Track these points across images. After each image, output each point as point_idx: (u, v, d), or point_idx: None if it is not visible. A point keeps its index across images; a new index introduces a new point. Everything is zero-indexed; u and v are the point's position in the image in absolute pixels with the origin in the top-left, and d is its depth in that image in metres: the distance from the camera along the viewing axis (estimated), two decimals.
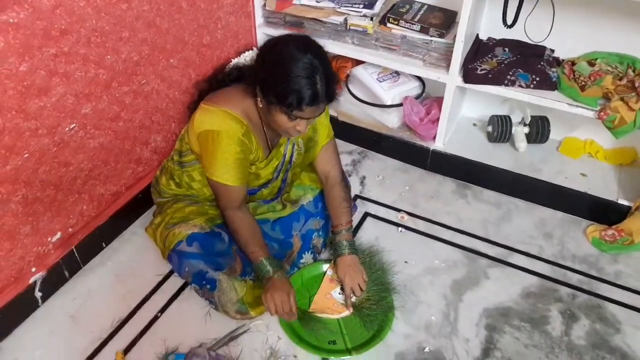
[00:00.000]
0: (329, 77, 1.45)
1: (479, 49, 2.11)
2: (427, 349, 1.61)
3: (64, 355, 1.57)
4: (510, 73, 1.97)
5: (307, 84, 1.40)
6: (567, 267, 1.88)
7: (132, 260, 1.85)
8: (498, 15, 2.04)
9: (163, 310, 1.70)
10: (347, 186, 1.81)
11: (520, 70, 1.97)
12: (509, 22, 2.02)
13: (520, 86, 1.96)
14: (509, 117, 2.23)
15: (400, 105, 2.21)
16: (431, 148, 2.23)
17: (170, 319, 1.67)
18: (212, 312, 1.67)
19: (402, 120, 2.27)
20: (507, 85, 1.97)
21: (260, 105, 1.53)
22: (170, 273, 1.80)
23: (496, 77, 1.97)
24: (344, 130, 2.34)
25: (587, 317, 1.72)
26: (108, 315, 1.67)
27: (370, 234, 1.98)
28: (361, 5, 2.11)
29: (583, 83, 1.91)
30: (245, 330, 1.63)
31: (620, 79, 1.90)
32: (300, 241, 1.82)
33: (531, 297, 1.77)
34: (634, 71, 1.93)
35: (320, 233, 1.85)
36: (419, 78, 2.28)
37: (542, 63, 1.99)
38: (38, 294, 1.66)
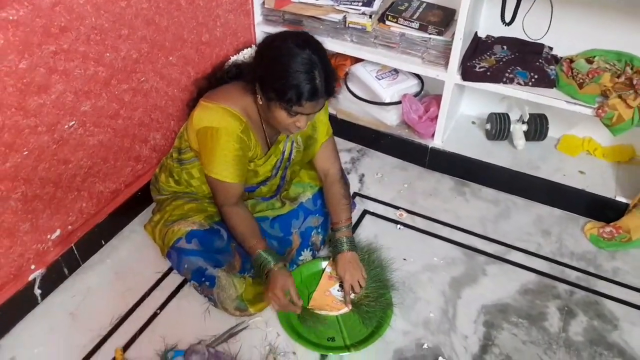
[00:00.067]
0: (327, 72, 1.45)
1: (478, 46, 2.12)
2: (425, 346, 1.62)
3: (64, 352, 1.57)
4: (509, 71, 1.97)
5: (306, 79, 1.40)
6: (565, 264, 1.89)
7: (131, 258, 1.85)
8: (496, 13, 2.04)
9: (162, 307, 1.70)
10: (346, 183, 1.82)
11: (519, 68, 1.97)
12: (507, 19, 2.02)
13: (519, 84, 1.96)
14: (507, 114, 2.23)
15: (399, 103, 2.22)
16: (430, 146, 2.23)
17: (169, 316, 1.68)
18: (211, 309, 1.67)
19: (400, 118, 2.27)
20: (505, 82, 1.98)
21: (260, 103, 1.53)
22: (169, 270, 1.80)
23: (495, 75, 1.98)
24: (343, 128, 2.35)
25: (585, 314, 1.73)
26: (107, 312, 1.67)
27: (369, 231, 1.99)
28: (360, 3, 2.12)
29: (581, 80, 1.92)
30: (245, 327, 1.63)
31: (618, 77, 1.90)
32: (300, 239, 1.82)
33: (529, 294, 1.78)
34: (632, 69, 1.93)
35: (319, 230, 1.86)
36: (418, 76, 2.29)
37: (540, 61, 1.99)
38: (37, 292, 1.67)
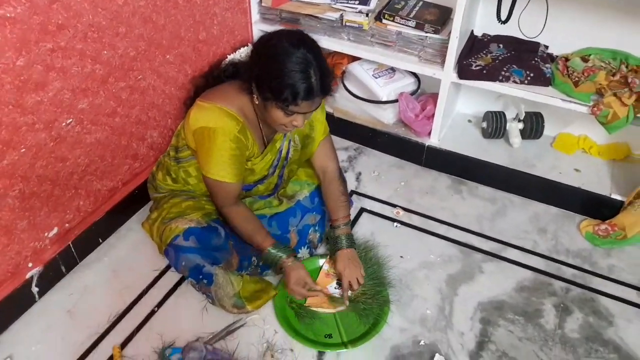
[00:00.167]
0: (323, 70, 1.45)
1: (474, 45, 2.13)
2: (422, 342, 1.62)
3: (61, 350, 1.57)
4: (505, 69, 1.98)
5: (302, 78, 1.41)
6: (560, 262, 1.90)
7: (129, 256, 1.85)
8: (492, 11, 2.05)
9: (160, 305, 1.70)
10: (344, 181, 1.82)
11: (515, 66, 1.98)
12: (503, 17, 2.03)
13: (515, 82, 1.97)
14: (503, 113, 2.24)
15: (396, 101, 2.23)
16: (426, 144, 2.24)
17: (167, 314, 1.68)
18: (209, 307, 1.68)
19: (397, 116, 2.28)
20: (501, 81, 1.98)
21: (257, 102, 1.53)
22: (167, 268, 1.80)
23: (491, 73, 1.99)
24: (340, 127, 2.35)
25: (581, 311, 1.74)
26: (105, 310, 1.67)
27: (366, 229, 1.99)
28: (357, 2, 2.12)
29: (577, 79, 1.93)
30: (242, 325, 1.64)
31: (614, 75, 1.92)
32: (297, 236, 1.82)
33: (525, 291, 1.79)
34: (627, 67, 1.94)
35: (317, 228, 1.86)
36: (414, 74, 2.29)
37: (536, 59, 2.00)
38: (35, 289, 1.67)
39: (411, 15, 2.08)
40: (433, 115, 2.19)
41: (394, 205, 2.11)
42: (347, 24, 2.13)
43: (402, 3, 2.15)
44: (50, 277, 1.71)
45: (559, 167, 2.16)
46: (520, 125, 2.23)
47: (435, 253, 1.91)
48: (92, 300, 1.71)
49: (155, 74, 1.85)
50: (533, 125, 2.22)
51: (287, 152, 1.75)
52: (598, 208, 2.04)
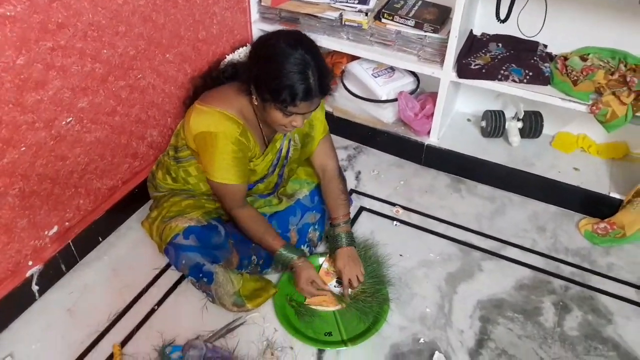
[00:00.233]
0: (321, 71, 1.45)
1: (473, 44, 2.13)
2: (422, 340, 1.63)
3: (61, 348, 1.57)
4: (504, 68, 1.99)
5: (300, 79, 1.41)
6: (560, 260, 1.90)
7: (129, 255, 1.85)
8: (491, 11, 2.05)
9: (160, 303, 1.71)
10: (344, 179, 1.83)
11: (514, 65, 1.99)
12: (502, 17, 2.04)
13: (514, 81, 1.97)
14: (502, 112, 2.25)
15: (395, 100, 2.23)
16: (426, 143, 2.25)
17: (167, 312, 1.68)
18: (209, 305, 1.68)
19: (397, 115, 2.28)
20: (500, 80, 1.99)
21: (256, 103, 1.53)
22: (167, 267, 1.81)
23: (490, 72, 1.99)
24: (340, 126, 2.35)
25: (580, 309, 1.74)
26: (105, 308, 1.67)
27: (365, 227, 2.00)
28: (356, 1, 2.13)
29: (575, 78, 1.93)
30: (242, 323, 1.64)
31: (612, 74, 1.92)
32: (297, 235, 1.83)
33: (524, 289, 1.80)
34: (625, 66, 1.95)
35: (316, 227, 1.87)
36: (414, 73, 2.30)
37: (535, 58, 2.01)
38: (35, 288, 1.67)
39: (410, 15, 2.08)
40: (432, 114, 2.19)
41: (394, 204, 2.11)
42: (347, 23, 2.14)
43: (402, 2, 2.15)
44: (50, 275, 1.71)
45: (558, 166, 2.16)
46: (519, 124, 2.24)
47: (434, 251, 1.92)
48: (92, 298, 1.71)
49: (154, 73, 1.85)
50: (532, 124, 2.23)
51: (287, 152, 1.75)
52: (597, 207, 2.05)
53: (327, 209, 1.82)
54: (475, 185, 2.21)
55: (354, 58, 2.32)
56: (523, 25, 2.08)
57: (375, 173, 2.26)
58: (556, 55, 2.09)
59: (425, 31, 2.06)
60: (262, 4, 2.25)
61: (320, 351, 1.59)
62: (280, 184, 1.85)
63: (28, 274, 1.64)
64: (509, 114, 2.26)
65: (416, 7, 2.13)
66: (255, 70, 1.48)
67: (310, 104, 1.47)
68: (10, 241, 1.55)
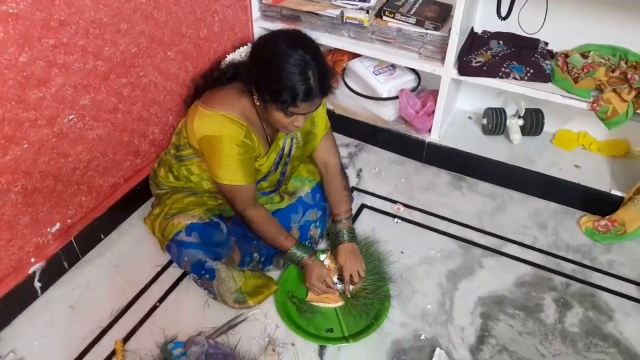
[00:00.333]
0: (321, 71, 1.45)
1: (474, 41, 2.13)
2: (423, 337, 1.63)
3: (64, 345, 1.58)
4: (505, 65, 1.99)
5: (300, 80, 1.41)
6: (560, 257, 1.91)
7: (131, 252, 1.86)
8: (492, 8, 2.06)
9: (162, 300, 1.71)
10: (346, 176, 1.83)
11: (515, 63, 1.99)
12: (503, 14, 2.04)
13: (515, 78, 1.98)
14: (503, 109, 2.25)
15: (396, 98, 2.23)
16: (427, 140, 2.25)
17: (169, 309, 1.69)
18: (211, 302, 1.69)
19: (398, 113, 2.29)
20: (501, 77, 1.99)
21: (257, 104, 1.53)
22: (169, 264, 1.81)
23: (491, 70, 1.99)
24: (341, 124, 2.36)
25: (581, 305, 1.75)
26: (107, 305, 1.68)
27: (366, 225, 2.00)
28: None
29: (576, 75, 1.94)
30: (244, 319, 1.65)
31: (613, 71, 1.92)
32: (298, 232, 1.83)
33: (525, 286, 1.80)
34: (626, 63, 1.95)
35: (318, 224, 1.87)
36: (415, 71, 2.30)
37: (536, 55, 2.01)
38: (37, 285, 1.68)
39: (411, 12, 2.08)
40: (433, 111, 2.19)
41: (395, 202, 2.11)
42: (348, 20, 2.14)
43: (403, 0, 2.15)
44: (53, 272, 1.72)
45: (559, 164, 2.16)
46: (521, 122, 2.24)
47: (435, 248, 1.92)
48: (95, 295, 1.72)
49: (156, 71, 1.86)
50: (533, 121, 2.23)
51: (290, 149, 1.76)
52: (598, 204, 2.05)
53: (329, 206, 1.83)
54: (476, 183, 2.22)
55: (355, 56, 2.33)
56: (524, 22, 2.08)
57: (376, 170, 2.27)
58: (557, 53, 2.09)
59: (427, 29, 2.06)
60: (263, 1, 2.26)
61: (322, 347, 1.60)
62: (282, 182, 1.86)
63: (30, 270, 1.65)
64: (510, 111, 2.27)
65: (417, 5, 2.13)
66: (256, 71, 1.48)
67: (311, 104, 1.47)
68: (12, 238, 1.56)
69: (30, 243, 1.63)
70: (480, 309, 1.72)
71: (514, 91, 2.01)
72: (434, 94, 2.19)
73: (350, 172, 2.23)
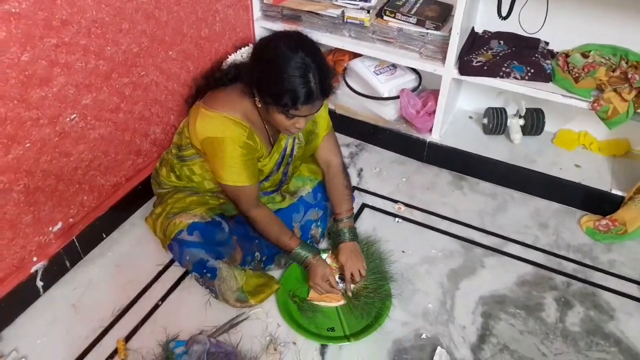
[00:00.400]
0: (322, 73, 1.45)
1: (475, 41, 2.14)
2: (424, 336, 1.63)
3: (66, 343, 1.58)
4: (505, 65, 1.99)
5: (301, 83, 1.41)
6: (561, 256, 1.91)
7: (132, 251, 1.86)
8: (493, 8, 2.06)
9: (163, 299, 1.72)
10: (347, 175, 1.84)
11: (515, 62, 1.99)
12: (504, 13, 2.04)
13: (515, 78, 1.98)
14: (504, 109, 2.25)
15: (397, 97, 2.24)
16: (427, 140, 2.25)
17: (170, 308, 1.69)
18: (212, 301, 1.69)
19: (398, 112, 2.29)
20: (502, 77, 1.99)
21: (259, 105, 1.54)
22: (170, 263, 1.81)
23: (491, 69, 2.00)
24: (342, 123, 2.36)
25: (582, 305, 1.75)
26: (109, 304, 1.68)
27: (367, 224, 2.00)
28: None
29: (577, 75, 1.94)
30: (245, 318, 1.65)
31: (614, 71, 1.92)
32: (299, 232, 1.84)
33: (526, 285, 1.80)
34: (626, 63, 1.95)
35: (319, 223, 1.87)
36: (415, 71, 2.31)
37: (536, 55, 2.01)
38: (39, 284, 1.68)
39: (412, 12, 2.09)
40: (434, 111, 2.20)
41: (396, 201, 2.12)
42: (349, 20, 2.15)
43: (403, 0, 2.16)
44: (55, 271, 1.72)
45: (560, 163, 2.17)
46: (521, 122, 2.24)
47: (436, 248, 1.92)
48: (97, 294, 1.72)
49: (158, 70, 1.86)
50: (534, 121, 2.23)
51: (292, 150, 1.76)
52: (599, 203, 2.05)
53: (331, 205, 1.83)
54: (477, 182, 2.22)
55: (356, 55, 2.33)
56: (524, 22, 2.09)
57: (377, 170, 2.27)
58: (557, 53, 2.09)
59: (427, 28, 2.06)
60: (264, 1, 2.26)
61: (323, 346, 1.60)
62: (284, 182, 1.86)
63: (33, 269, 1.65)
64: (510, 111, 2.27)
65: (418, 5, 2.14)
66: (257, 73, 1.48)
67: (312, 107, 1.47)
68: (15, 237, 1.56)
69: (33, 242, 1.63)
70: (481, 308, 1.72)
71: (514, 91, 2.01)
72: (435, 93, 2.19)
73: (352, 172, 2.23)
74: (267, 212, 1.69)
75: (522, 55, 2.02)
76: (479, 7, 2.16)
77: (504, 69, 1.99)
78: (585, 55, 2.01)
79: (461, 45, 2.06)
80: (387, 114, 2.29)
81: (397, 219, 2.04)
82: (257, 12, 2.30)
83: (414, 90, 2.27)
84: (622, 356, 1.60)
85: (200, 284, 1.69)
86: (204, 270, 1.63)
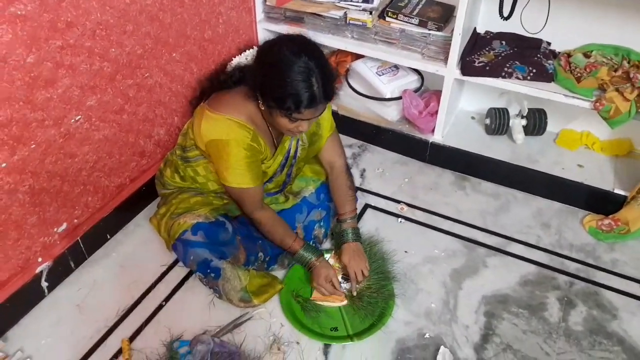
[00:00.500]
0: (325, 77, 1.46)
1: (477, 42, 2.14)
2: (427, 335, 1.64)
3: (70, 344, 1.59)
4: (508, 65, 2.00)
5: (304, 87, 1.42)
6: (564, 256, 1.91)
7: (137, 252, 1.87)
8: (495, 9, 2.07)
9: (168, 299, 1.73)
10: (351, 176, 1.85)
11: (517, 63, 2.00)
12: (505, 13, 2.05)
13: (517, 78, 1.98)
14: (506, 109, 2.26)
15: (400, 98, 2.24)
16: (430, 141, 2.26)
17: (174, 308, 1.70)
18: (216, 301, 1.70)
19: (401, 113, 2.29)
20: (504, 77, 2.00)
21: (262, 108, 1.55)
22: (174, 263, 1.82)
23: (493, 70, 2.00)
24: (344, 124, 2.36)
25: (585, 304, 1.75)
26: (113, 304, 1.69)
27: (370, 224, 2.01)
28: (360, 0, 2.14)
29: (579, 74, 1.94)
30: (249, 318, 1.66)
31: (616, 70, 1.93)
32: (303, 232, 1.84)
33: (529, 285, 1.80)
34: (628, 62, 1.96)
35: (322, 224, 1.88)
36: (418, 71, 2.31)
37: (538, 55, 2.02)
38: (44, 284, 1.69)
39: (414, 13, 2.10)
40: (436, 112, 2.20)
41: (398, 201, 2.12)
42: (351, 21, 2.16)
43: (405, 1, 2.16)
44: (60, 272, 1.73)
45: (562, 163, 2.17)
46: (524, 122, 2.25)
47: (439, 248, 1.93)
48: (101, 294, 1.73)
49: (162, 72, 1.87)
50: (536, 121, 2.23)
51: (295, 151, 1.77)
52: (601, 203, 2.05)
53: (334, 205, 1.84)
54: (479, 183, 2.22)
55: (358, 57, 2.34)
56: (526, 22, 2.09)
57: (380, 171, 2.28)
58: (559, 53, 2.10)
59: (429, 29, 2.07)
60: (267, 3, 2.27)
61: (327, 346, 1.60)
62: (288, 183, 1.87)
63: (38, 270, 1.66)
64: (513, 111, 2.27)
65: (420, 6, 2.14)
66: (260, 77, 1.49)
67: (315, 110, 1.48)
68: (20, 237, 1.58)
69: (38, 243, 1.64)
70: (484, 308, 1.73)
71: (516, 91, 2.01)
72: (437, 94, 2.20)
73: (354, 173, 2.24)
74: (272, 214, 1.70)
75: (524, 56, 2.02)
76: (480, 8, 2.17)
77: (506, 69, 1.99)
78: (587, 55, 2.01)
79: (463, 46, 2.06)
80: (389, 115, 2.30)
81: (399, 219, 2.05)
82: (259, 14, 2.31)
83: (416, 91, 2.28)
84: (625, 355, 1.61)
85: (204, 284, 1.70)
86: (208, 270, 1.64)
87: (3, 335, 1.60)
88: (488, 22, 2.19)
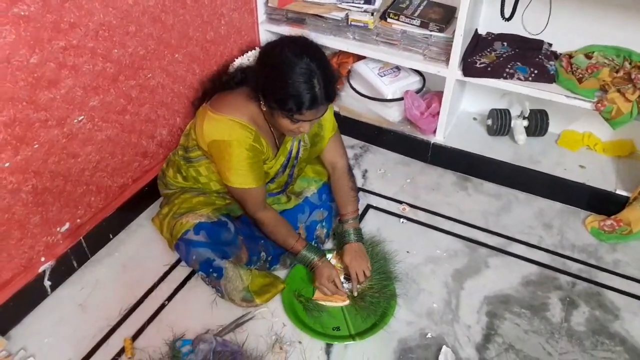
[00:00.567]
0: (327, 78, 1.46)
1: (478, 43, 2.15)
2: (429, 335, 1.64)
3: (73, 343, 1.60)
4: (509, 66, 2.00)
5: (306, 89, 1.42)
6: (566, 257, 1.91)
7: (139, 252, 1.88)
8: (496, 10, 2.07)
9: (170, 298, 1.73)
10: (353, 176, 1.85)
11: (519, 64, 2.00)
12: (507, 15, 2.05)
13: (519, 79, 1.99)
14: (508, 110, 2.26)
15: (401, 99, 2.25)
16: (432, 141, 2.26)
17: (177, 307, 1.71)
18: (218, 300, 1.70)
19: (403, 114, 2.30)
20: (506, 78, 2.00)
21: (264, 109, 1.55)
22: (177, 263, 1.83)
23: (495, 70, 2.01)
24: (346, 125, 2.37)
25: (587, 304, 1.75)
26: (116, 304, 1.70)
27: (372, 225, 2.01)
28: (362, 1, 2.15)
29: (580, 75, 1.95)
30: (251, 318, 1.66)
31: (617, 71, 1.93)
32: (305, 232, 1.85)
33: (531, 285, 1.80)
34: (630, 63, 1.96)
35: (324, 224, 1.89)
36: (419, 72, 2.32)
37: (540, 56, 2.02)
38: (47, 283, 1.70)
39: (416, 14, 2.10)
40: (438, 113, 2.20)
41: (400, 202, 2.12)
42: (353, 23, 2.16)
43: (407, 2, 2.17)
44: (62, 271, 1.74)
45: (564, 164, 2.17)
46: (525, 123, 2.25)
47: (441, 248, 1.93)
48: (104, 294, 1.74)
49: (164, 73, 1.88)
50: (538, 122, 2.24)
51: (297, 152, 1.77)
52: (603, 204, 2.05)
53: (336, 206, 1.84)
54: (481, 183, 2.23)
55: (360, 58, 2.34)
56: (528, 23, 2.10)
57: (381, 171, 2.28)
58: (561, 54, 2.10)
59: (431, 30, 2.08)
60: (269, 5, 2.28)
61: (329, 345, 1.61)
62: (290, 183, 1.87)
63: (40, 269, 1.67)
64: (514, 112, 2.28)
65: (421, 7, 2.15)
66: (262, 78, 1.50)
67: (316, 112, 1.49)
68: (23, 237, 1.58)
69: (41, 242, 1.65)
70: (486, 308, 1.73)
71: (518, 92, 2.02)
72: (439, 95, 2.20)
73: (356, 173, 2.23)
74: (274, 215, 1.71)
75: (526, 57, 2.03)
76: (482, 9, 2.18)
77: (507, 70, 2.00)
78: (588, 56, 2.02)
79: (465, 47, 2.07)
80: (391, 116, 2.31)
81: (401, 219, 2.05)
82: (261, 15, 2.32)
83: (418, 92, 2.28)
84: (628, 355, 1.61)
85: (207, 283, 1.71)
86: (210, 270, 1.64)
87: (6, 334, 1.60)
88: (489, 23, 2.20)
